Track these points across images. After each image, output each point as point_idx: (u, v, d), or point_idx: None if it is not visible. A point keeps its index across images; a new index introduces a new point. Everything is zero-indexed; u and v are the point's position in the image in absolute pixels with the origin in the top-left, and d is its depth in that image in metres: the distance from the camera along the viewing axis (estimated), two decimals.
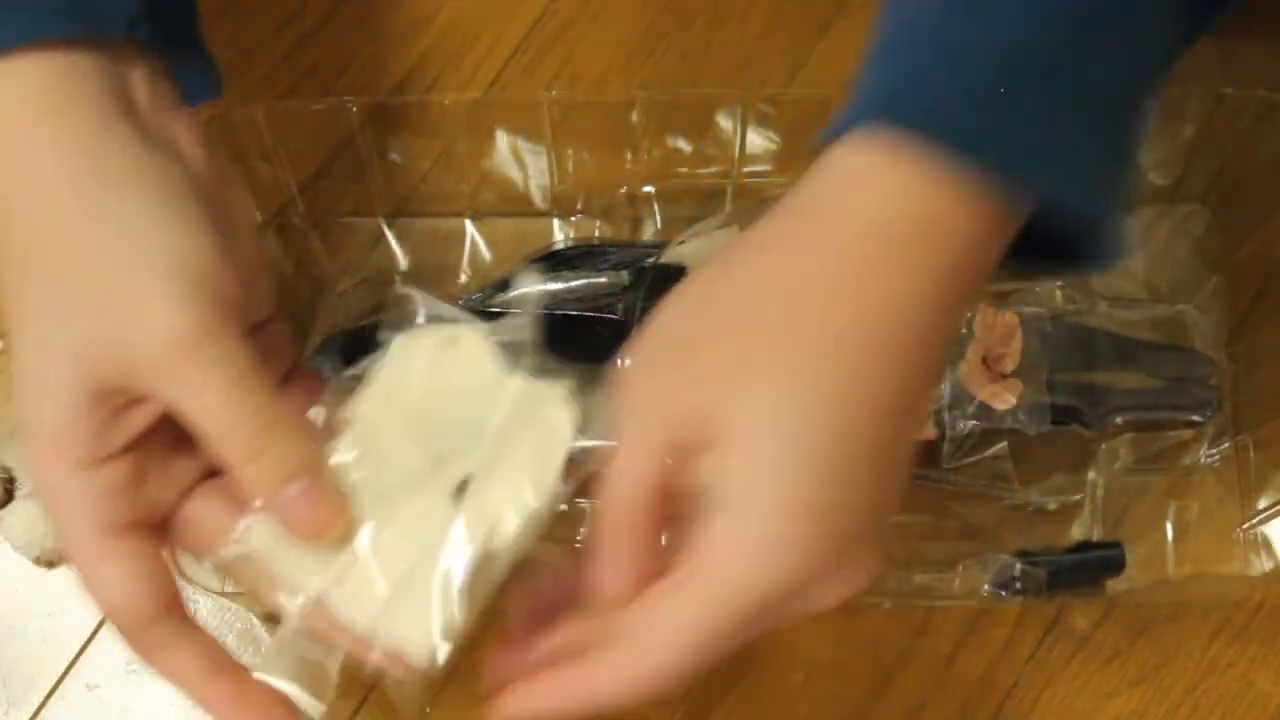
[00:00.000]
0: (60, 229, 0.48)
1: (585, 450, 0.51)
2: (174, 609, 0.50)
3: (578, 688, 0.47)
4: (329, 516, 0.49)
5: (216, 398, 0.48)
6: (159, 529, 0.51)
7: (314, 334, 0.70)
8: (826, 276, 0.44)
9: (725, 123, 0.71)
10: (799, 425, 0.44)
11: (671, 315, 0.48)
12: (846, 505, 0.45)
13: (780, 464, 0.44)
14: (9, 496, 0.70)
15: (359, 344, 0.61)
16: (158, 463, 0.50)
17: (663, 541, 0.48)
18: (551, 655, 0.49)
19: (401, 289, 0.53)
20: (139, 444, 0.49)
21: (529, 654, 0.50)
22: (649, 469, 0.46)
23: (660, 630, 0.46)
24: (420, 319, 0.53)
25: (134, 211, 0.48)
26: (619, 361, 0.48)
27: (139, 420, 0.49)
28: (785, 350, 0.44)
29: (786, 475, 0.44)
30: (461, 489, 0.51)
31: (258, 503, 0.49)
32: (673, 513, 0.47)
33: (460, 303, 0.67)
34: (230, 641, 0.69)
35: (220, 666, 0.50)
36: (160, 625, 0.50)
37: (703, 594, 0.45)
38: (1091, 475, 0.69)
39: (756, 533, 0.44)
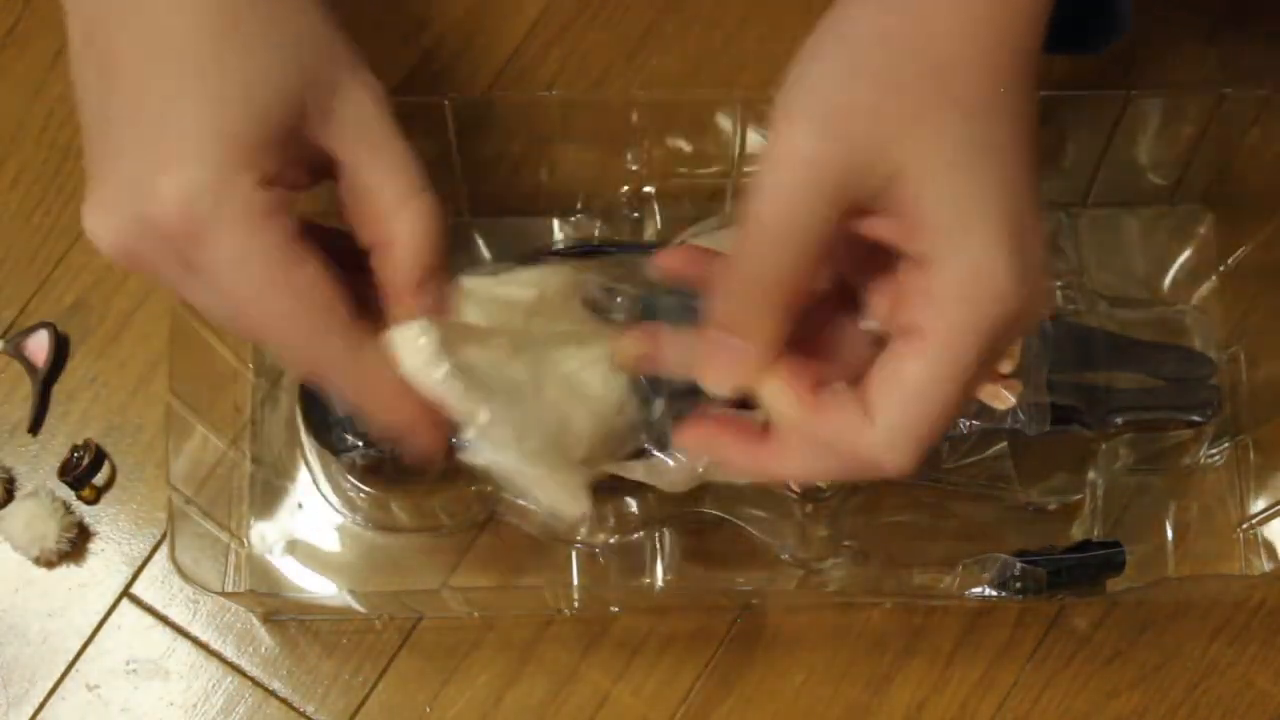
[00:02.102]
0: None
1: None
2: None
3: (817, 439, 0.48)
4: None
5: (403, 163, 0.51)
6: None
7: None
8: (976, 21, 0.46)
9: (725, 123, 0.71)
10: (994, 153, 0.45)
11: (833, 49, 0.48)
12: (1040, 223, 0.46)
13: (992, 194, 0.45)
14: (9, 496, 0.70)
15: None
16: None
17: None
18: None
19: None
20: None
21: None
22: (817, 217, 0.46)
23: (900, 394, 0.46)
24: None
25: None
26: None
27: (293, 177, 0.50)
28: (959, 84, 0.46)
29: (1001, 204, 0.45)
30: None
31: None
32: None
33: None
34: (230, 641, 0.69)
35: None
36: (354, 329, 0.50)
37: (941, 348, 0.45)
38: (1091, 475, 0.69)
39: (986, 266, 0.45)
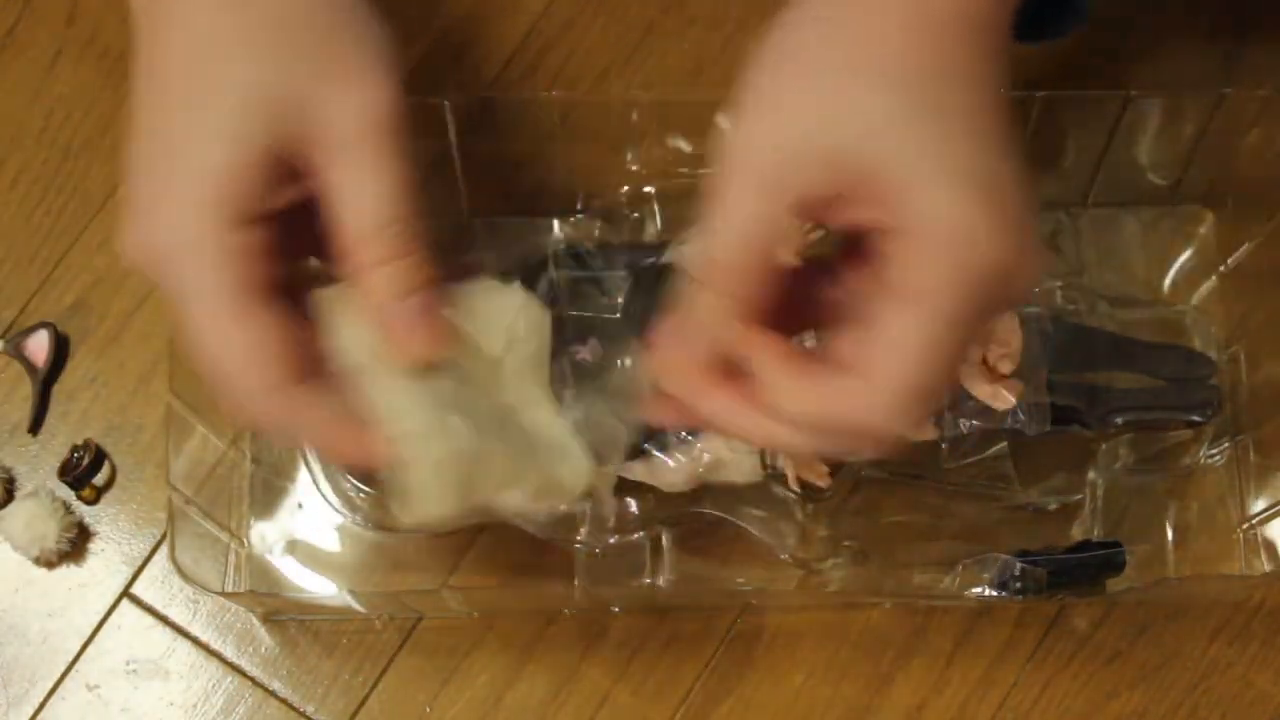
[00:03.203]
0: None
1: None
2: (303, 374, 0.49)
3: (812, 407, 0.47)
4: (435, 338, 0.49)
5: (381, 190, 0.48)
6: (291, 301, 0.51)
7: None
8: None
9: (725, 123, 0.71)
10: (950, 114, 0.46)
11: (769, 60, 0.48)
12: (1016, 179, 0.46)
13: (952, 150, 0.45)
14: (9, 496, 0.70)
15: None
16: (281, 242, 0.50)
17: None
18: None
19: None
20: (275, 218, 0.49)
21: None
22: (766, 223, 0.47)
23: (893, 354, 0.46)
24: None
25: None
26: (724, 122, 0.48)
27: (288, 195, 0.49)
28: (897, 55, 0.46)
29: (966, 159, 0.45)
30: None
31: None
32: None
33: None
34: (230, 641, 0.69)
35: (346, 420, 0.50)
36: (300, 389, 0.49)
37: (926, 304, 0.45)
38: (1091, 475, 0.69)
39: (960, 219, 0.45)
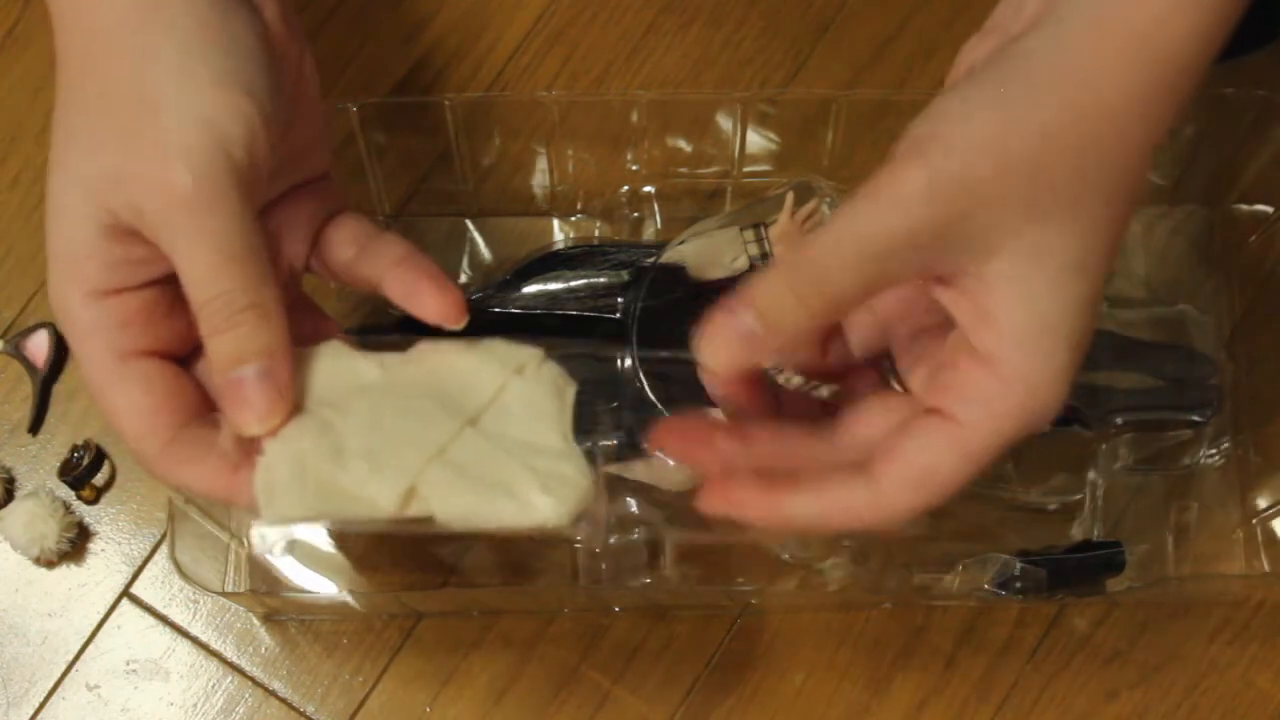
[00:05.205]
0: (107, 58, 0.49)
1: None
2: (187, 430, 0.50)
3: (807, 508, 0.47)
4: (264, 408, 0.49)
5: (203, 266, 0.48)
6: (185, 357, 0.51)
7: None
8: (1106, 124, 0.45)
9: (725, 123, 0.71)
10: (1085, 274, 0.45)
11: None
12: (1088, 343, 0.46)
13: (1069, 317, 0.45)
14: (9, 496, 0.70)
15: None
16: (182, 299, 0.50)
17: None
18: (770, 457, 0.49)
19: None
20: (162, 281, 0.50)
21: (747, 447, 0.49)
22: (895, 265, 0.45)
23: (915, 478, 0.46)
24: None
25: (181, 54, 0.48)
26: None
27: (159, 264, 0.49)
28: (1090, 200, 0.45)
29: (1073, 328, 0.45)
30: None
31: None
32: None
33: None
34: (230, 641, 0.69)
35: (232, 469, 0.50)
36: (177, 445, 0.50)
37: (967, 443, 0.46)
38: (1091, 475, 0.69)
39: (1044, 388, 0.46)
